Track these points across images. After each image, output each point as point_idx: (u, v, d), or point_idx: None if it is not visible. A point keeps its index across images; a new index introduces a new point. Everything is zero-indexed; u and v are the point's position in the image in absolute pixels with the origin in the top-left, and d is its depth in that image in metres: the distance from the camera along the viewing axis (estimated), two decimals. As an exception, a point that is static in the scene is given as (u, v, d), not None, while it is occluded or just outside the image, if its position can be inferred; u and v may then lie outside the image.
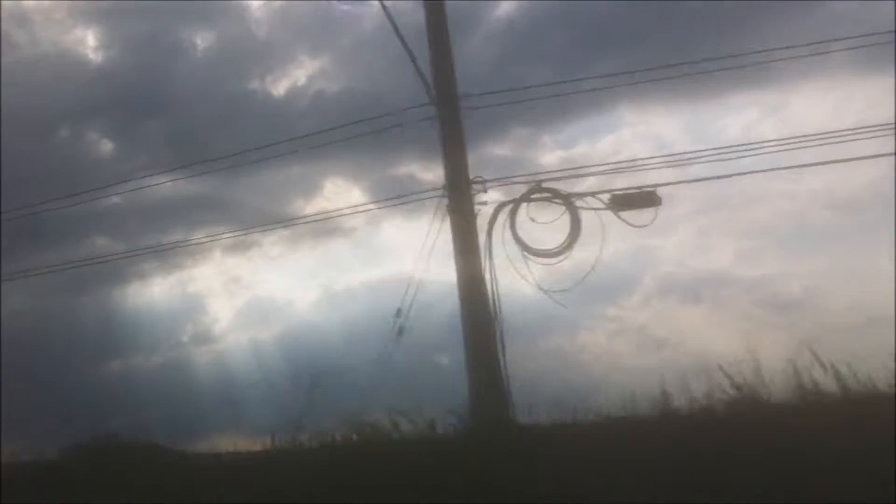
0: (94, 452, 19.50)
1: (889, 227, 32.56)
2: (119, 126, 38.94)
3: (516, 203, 15.48)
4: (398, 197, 18.53)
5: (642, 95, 36.89)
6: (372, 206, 20.80)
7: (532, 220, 15.96)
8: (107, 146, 38.83)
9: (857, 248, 32.74)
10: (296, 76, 41.34)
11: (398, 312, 15.98)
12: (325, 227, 34.50)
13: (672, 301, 34.02)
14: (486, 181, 15.93)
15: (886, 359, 15.38)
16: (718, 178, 17.76)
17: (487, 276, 15.82)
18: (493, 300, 15.76)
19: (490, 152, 33.07)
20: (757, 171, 17.86)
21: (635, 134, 38.71)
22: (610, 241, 37.16)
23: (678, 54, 33.55)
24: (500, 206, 15.47)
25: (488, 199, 16.29)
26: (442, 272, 37.81)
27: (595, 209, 16.73)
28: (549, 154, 36.77)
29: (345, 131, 19.23)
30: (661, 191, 17.36)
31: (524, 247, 15.77)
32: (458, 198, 14.83)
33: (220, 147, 37.27)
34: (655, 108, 40.18)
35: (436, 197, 16.01)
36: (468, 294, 15.07)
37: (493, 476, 12.66)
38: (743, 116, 36.36)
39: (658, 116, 35.50)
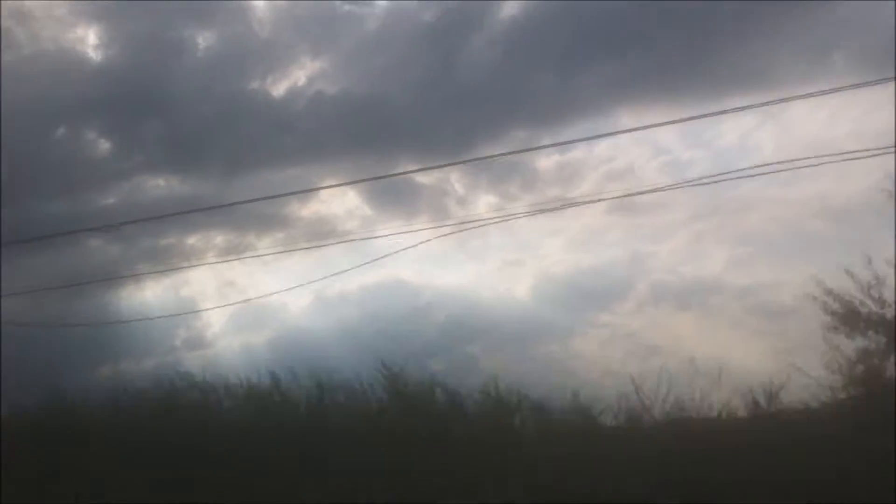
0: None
1: (880, 236, 32.53)
2: (117, 125, 38.74)
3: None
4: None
5: (640, 99, 36.94)
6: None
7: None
8: (104, 145, 38.64)
9: (847, 256, 32.65)
10: (296, 77, 41.15)
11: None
12: (321, 229, 34.48)
13: (664, 307, 34.05)
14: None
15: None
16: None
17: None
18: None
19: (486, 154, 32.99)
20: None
21: (633, 138, 38.59)
22: (606, 246, 37.24)
23: (678, 58, 33.65)
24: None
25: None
26: (436, 275, 37.77)
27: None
28: (546, 158, 36.59)
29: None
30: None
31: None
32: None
33: (217, 146, 37.18)
34: (653, 111, 40.17)
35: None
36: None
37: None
38: (740, 121, 36.16)
39: (655, 120, 35.32)
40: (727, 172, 17.51)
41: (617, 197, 19.54)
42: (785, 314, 30.03)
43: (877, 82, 14.41)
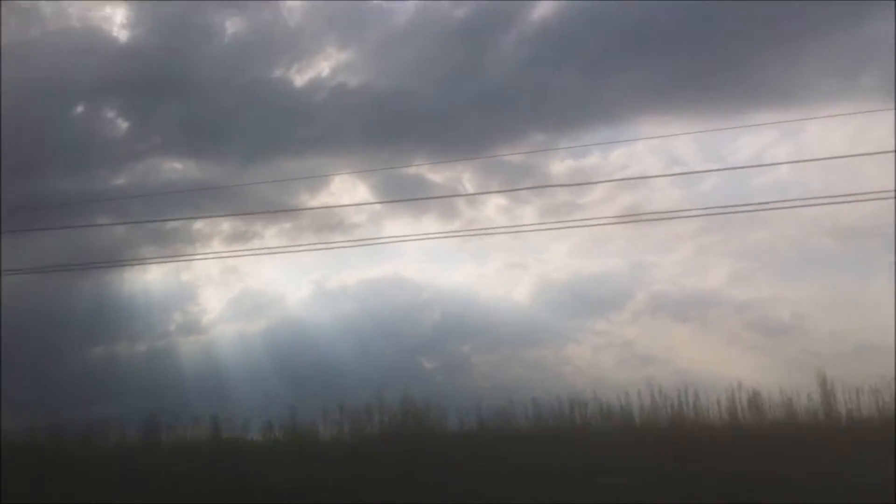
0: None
1: (886, 257, 32.15)
2: (137, 106, 38.77)
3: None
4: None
5: (662, 109, 36.49)
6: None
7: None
8: (122, 125, 38.74)
9: (851, 276, 32.47)
10: (320, 67, 41.01)
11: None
12: (328, 221, 34.42)
13: (662, 318, 33.83)
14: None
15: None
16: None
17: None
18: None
19: (499, 157, 32.72)
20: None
21: (650, 147, 38.05)
22: (610, 255, 36.99)
23: (703, 70, 33.22)
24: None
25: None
26: (438, 273, 37.58)
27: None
28: (560, 163, 36.13)
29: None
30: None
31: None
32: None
33: (235, 132, 37.13)
34: (674, 122, 39.59)
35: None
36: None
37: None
38: (759, 137, 35.53)
39: (674, 131, 35.03)
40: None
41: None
42: (782, 331, 29.83)
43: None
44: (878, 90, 31.93)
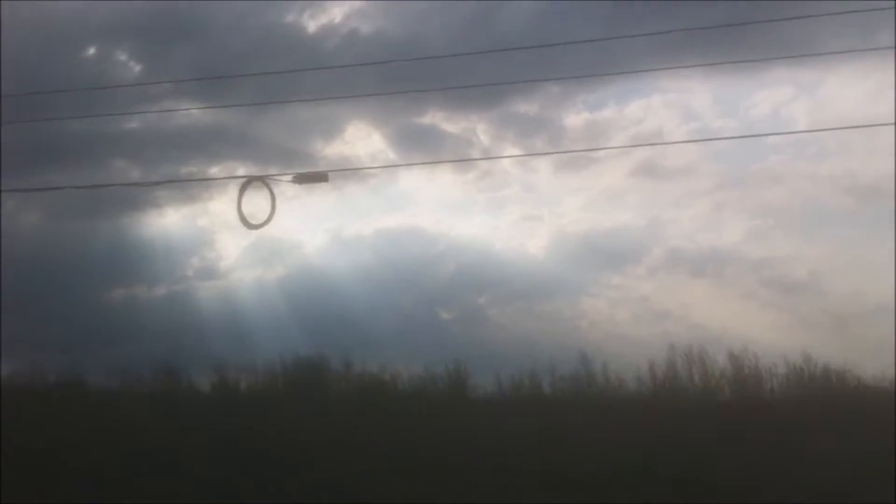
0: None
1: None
2: (149, 49, 38.60)
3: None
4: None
5: (680, 61, 36.15)
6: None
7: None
8: (135, 68, 38.53)
9: (869, 235, 32.81)
10: (332, 13, 40.71)
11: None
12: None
13: (678, 274, 34.13)
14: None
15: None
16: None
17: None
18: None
19: (514, 109, 32.49)
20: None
21: (665, 101, 38.11)
22: (626, 209, 37.63)
23: (721, 23, 32.89)
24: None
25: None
26: (453, 224, 37.98)
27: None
28: (575, 116, 36.25)
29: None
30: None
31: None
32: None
33: (247, 77, 36.81)
34: (691, 75, 39.48)
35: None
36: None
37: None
38: (776, 93, 35.50)
39: (691, 84, 34.85)
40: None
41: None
42: (799, 289, 30.00)
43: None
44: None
